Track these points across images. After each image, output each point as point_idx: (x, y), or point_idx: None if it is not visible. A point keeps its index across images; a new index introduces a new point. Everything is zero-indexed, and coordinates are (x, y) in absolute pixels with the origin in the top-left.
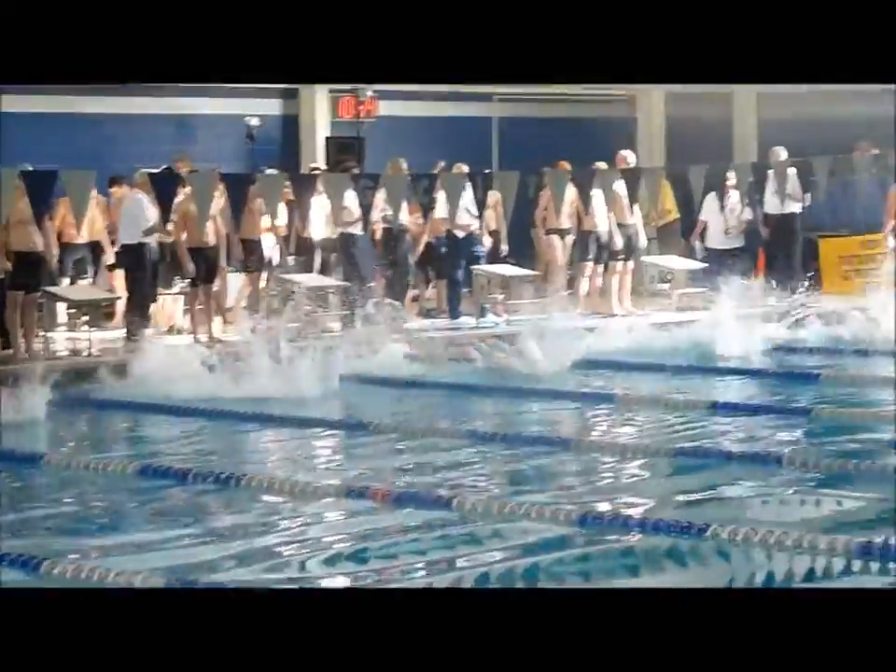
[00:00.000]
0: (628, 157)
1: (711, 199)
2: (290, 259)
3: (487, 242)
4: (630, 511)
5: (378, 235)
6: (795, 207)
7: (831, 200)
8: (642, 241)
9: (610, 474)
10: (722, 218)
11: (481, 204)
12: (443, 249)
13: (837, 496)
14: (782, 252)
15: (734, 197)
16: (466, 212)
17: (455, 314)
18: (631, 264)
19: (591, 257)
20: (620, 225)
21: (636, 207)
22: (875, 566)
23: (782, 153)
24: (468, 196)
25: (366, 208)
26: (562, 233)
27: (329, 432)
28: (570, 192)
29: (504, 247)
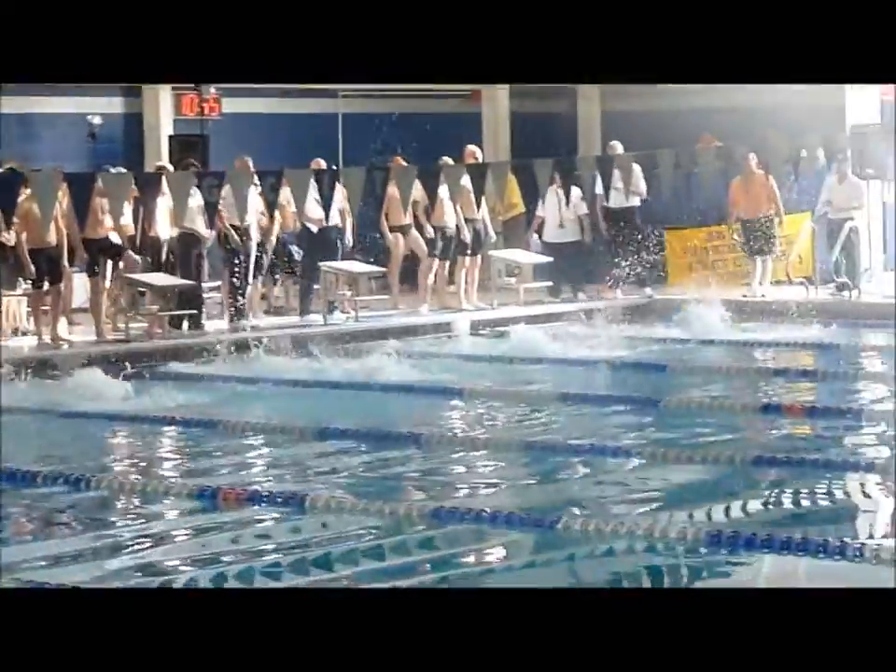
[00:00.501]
0: (476, 152)
1: (552, 193)
2: (137, 259)
3: (349, 237)
4: (482, 505)
5: (225, 233)
6: (636, 201)
7: (676, 192)
8: (490, 235)
9: (461, 468)
10: (559, 213)
11: (327, 201)
12: (296, 245)
13: (687, 484)
14: (624, 246)
15: (574, 191)
16: (316, 205)
17: (305, 311)
18: (479, 258)
19: (437, 252)
20: (467, 220)
21: (482, 201)
22: (723, 554)
23: (618, 147)
24: (316, 192)
25: (211, 206)
26: (403, 230)
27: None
28: (415, 188)
29: (349, 242)
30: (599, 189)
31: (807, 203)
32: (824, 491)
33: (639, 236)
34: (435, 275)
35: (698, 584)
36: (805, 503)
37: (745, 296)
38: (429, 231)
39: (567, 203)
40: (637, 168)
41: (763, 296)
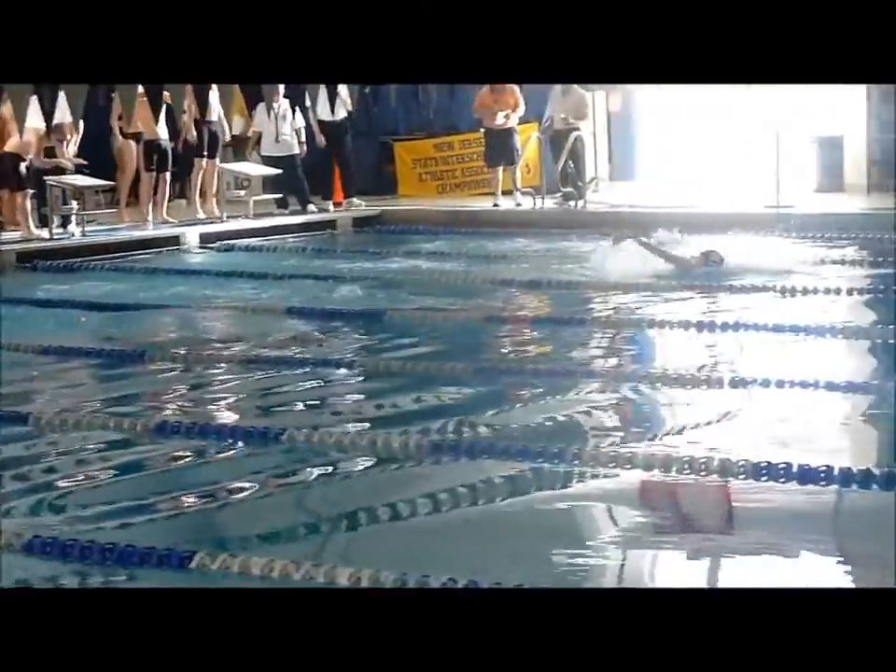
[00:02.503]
0: None
1: (261, 109)
2: None
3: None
4: (212, 420)
5: None
6: (343, 113)
7: (404, 103)
8: (226, 137)
9: (185, 384)
10: (274, 127)
11: (49, 116)
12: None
13: (413, 397)
14: (336, 158)
15: (284, 105)
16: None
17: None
18: (217, 163)
19: (153, 165)
20: (199, 122)
21: (217, 105)
22: (447, 460)
23: None
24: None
25: None
26: (136, 138)
27: None
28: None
29: (72, 155)
30: (321, 102)
31: (533, 113)
32: (542, 401)
33: (347, 148)
34: (155, 187)
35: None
36: (529, 413)
37: (496, 205)
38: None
39: (284, 117)
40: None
41: (519, 205)
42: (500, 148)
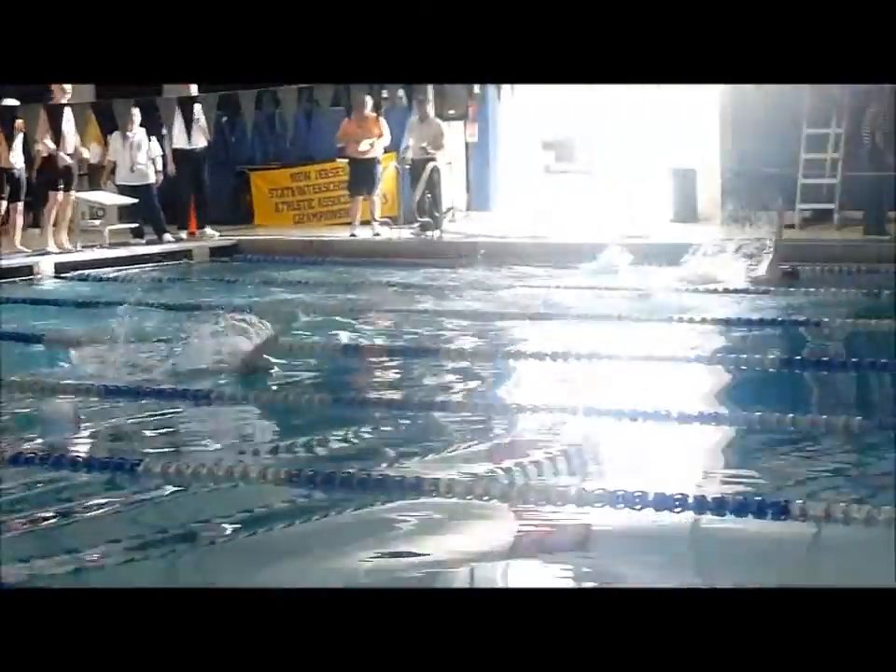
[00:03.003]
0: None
1: (116, 137)
2: None
3: None
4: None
5: None
6: (201, 142)
7: (260, 132)
8: (81, 166)
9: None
10: (129, 155)
11: None
12: None
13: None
14: (192, 187)
15: (139, 133)
16: None
17: None
18: (71, 196)
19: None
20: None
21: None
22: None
23: (193, 88)
24: None
25: None
26: None
27: None
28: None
29: None
30: (177, 130)
31: (391, 143)
32: (394, 429)
33: (207, 178)
34: (7, 216)
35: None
36: (381, 440)
37: (353, 235)
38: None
39: (140, 145)
40: (198, 108)
41: (377, 235)
42: (364, 177)
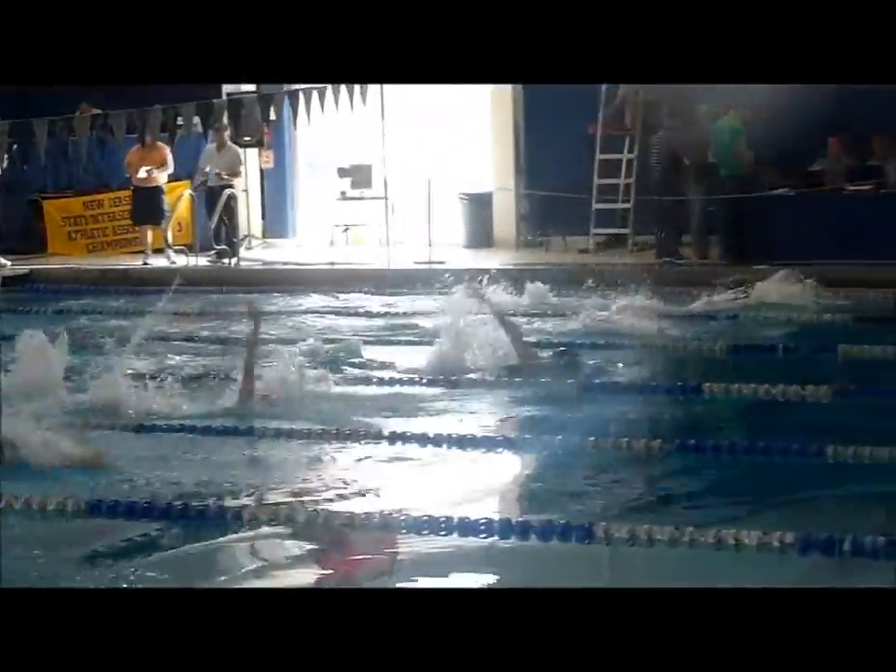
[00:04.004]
0: None
1: None
2: None
3: None
4: None
5: None
6: None
7: (53, 160)
8: None
9: None
10: None
11: None
12: None
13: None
14: None
15: None
16: None
17: None
18: None
19: None
20: None
21: None
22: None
23: None
24: None
25: None
26: None
27: None
28: None
29: None
30: None
31: (185, 170)
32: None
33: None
34: None
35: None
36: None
37: (146, 263)
38: None
39: None
40: None
41: (172, 263)
42: (146, 206)
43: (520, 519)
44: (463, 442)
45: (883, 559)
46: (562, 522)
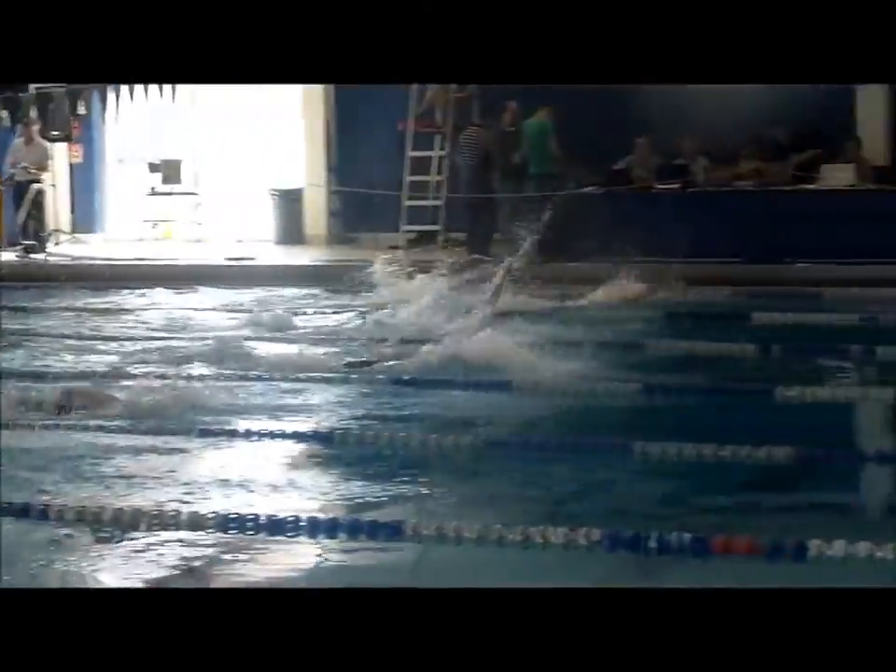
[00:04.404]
0: None
1: None
2: None
3: None
4: None
5: None
6: None
7: None
8: None
9: None
10: None
11: None
12: None
13: None
14: None
15: None
16: None
17: None
18: None
19: None
20: None
21: None
22: None
23: None
24: None
25: None
26: None
27: None
28: None
29: None
30: None
31: None
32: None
33: None
34: None
35: None
36: None
37: None
38: None
39: None
40: None
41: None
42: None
43: (328, 516)
44: (270, 436)
45: (689, 556)
46: (369, 520)
